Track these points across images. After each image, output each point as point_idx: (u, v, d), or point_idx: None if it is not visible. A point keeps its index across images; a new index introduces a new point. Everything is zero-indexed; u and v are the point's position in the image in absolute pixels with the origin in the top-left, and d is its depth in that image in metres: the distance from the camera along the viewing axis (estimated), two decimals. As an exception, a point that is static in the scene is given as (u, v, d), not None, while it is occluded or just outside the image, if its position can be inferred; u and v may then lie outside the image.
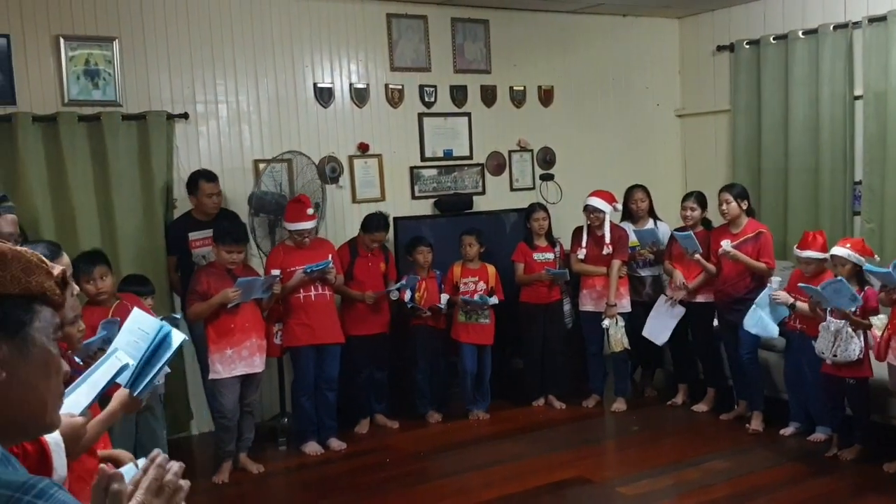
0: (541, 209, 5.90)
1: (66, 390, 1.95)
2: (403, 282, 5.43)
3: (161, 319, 2.39)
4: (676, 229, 5.76)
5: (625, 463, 5.05)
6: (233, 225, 5.00)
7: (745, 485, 4.45)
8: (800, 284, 4.70)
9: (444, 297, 5.55)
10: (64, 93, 5.06)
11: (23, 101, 4.93)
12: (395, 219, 5.99)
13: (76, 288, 2.39)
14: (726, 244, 5.17)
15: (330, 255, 5.10)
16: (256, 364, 4.80)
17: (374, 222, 5.40)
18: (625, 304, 5.74)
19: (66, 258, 2.36)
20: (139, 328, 2.18)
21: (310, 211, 4.99)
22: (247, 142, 5.66)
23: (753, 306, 4.86)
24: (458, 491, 4.58)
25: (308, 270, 4.97)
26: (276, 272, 4.95)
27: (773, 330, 4.86)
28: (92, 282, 3.96)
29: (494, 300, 5.58)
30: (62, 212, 4.98)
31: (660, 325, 5.64)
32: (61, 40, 5.03)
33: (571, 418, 5.69)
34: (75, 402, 1.92)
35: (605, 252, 5.64)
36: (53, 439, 1.77)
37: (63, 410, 1.84)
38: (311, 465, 5.03)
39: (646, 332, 5.71)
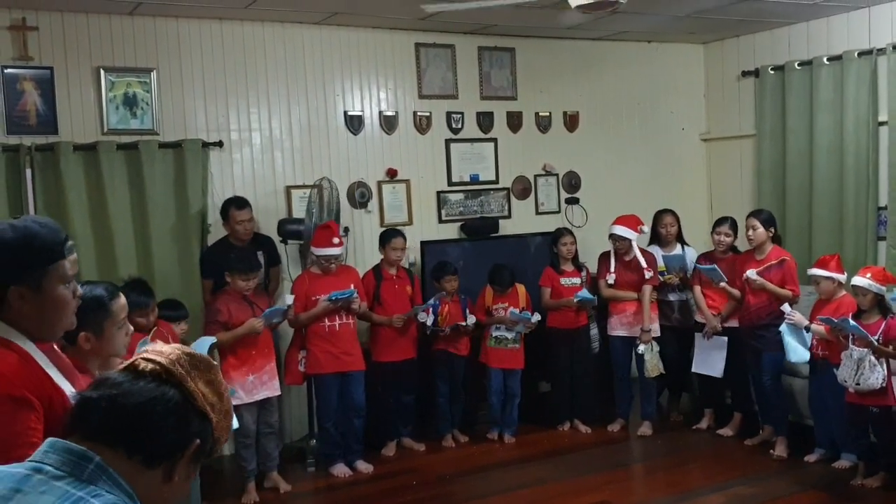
0: (568, 234, 5.97)
1: None
2: (431, 301, 5.51)
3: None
4: (703, 254, 5.81)
5: (650, 488, 5.09)
6: (243, 253, 5.12)
7: (769, 511, 4.48)
8: (819, 317, 4.75)
9: (472, 319, 5.62)
10: (103, 122, 5.24)
11: (64, 131, 5.12)
12: (423, 242, 6.11)
13: (131, 328, 2.47)
14: (752, 273, 5.22)
15: (352, 285, 5.21)
16: (276, 387, 4.95)
17: (388, 233, 5.57)
18: (655, 329, 5.77)
19: (122, 300, 2.43)
20: None
21: (335, 240, 5.11)
22: (279, 168, 5.81)
23: (782, 337, 4.92)
24: (483, 514, 4.66)
25: (333, 298, 5.07)
26: (289, 298, 5.10)
27: (805, 354, 4.91)
28: (145, 316, 4.10)
29: (538, 316, 5.64)
30: (101, 237, 5.14)
31: (710, 359, 5.62)
32: (102, 71, 5.21)
33: (597, 442, 5.73)
34: None
35: (647, 276, 5.69)
36: None
37: None
38: (338, 487, 5.12)
39: (696, 369, 5.71)
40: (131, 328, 2.45)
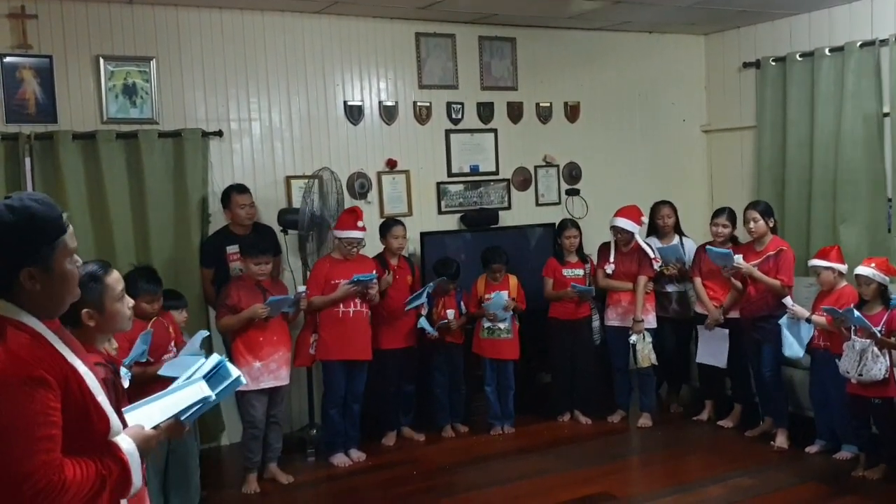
0: (572, 226, 5.95)
1: (139, 402, 2.06)
2: (428, 289, 5.45)
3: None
4: (702, 245, 5.80)
5: (650, 479, 5.08)
6: (258, 237, 5.14)
7: (770, 503, 4.47)
8: (823, 307, 4.75)
9: (450, 313, 5.58)
10: (103, 111, 5.22)
11: (64, 119, 5.09)
12: (422, 234, 6.10)
13: (131, 301, 2.48)
14: (738, 258, 5.22)
15: (374, 271, 5.22)
16: (283, 377, 4.92)
17: (387, 223, 5.60)
18: (650, 320, 5.77)
19: (115, 274, 2.45)
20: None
21: (360, 223, 5.16)
22: (279, 158, 5.79)
23: (781, 330, 4.93)
24: (483, 504, 4.66)
25: (356, 279, 5.07)
26: (301, 288, 5.07)
27: (798, 350, 4.92)
28: (152, 303, 4.11)
29: (504, 295, 5.56)
30: (100, 227, 5.12)
31: (713, 350, 5.61)
32: (101, 60, 5.19)
33: (597, 434, 5.73)
34: (148, 416, 2.02)
35: (656, 266, 5.68)
36: (132, 456, 1.87)
37: (135, 422, 1.94)
38: (339, 477, 5.11)
39: (700, 359, 5.70)
40: (131, 301, 2.47)
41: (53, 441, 1.72)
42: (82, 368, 1.85)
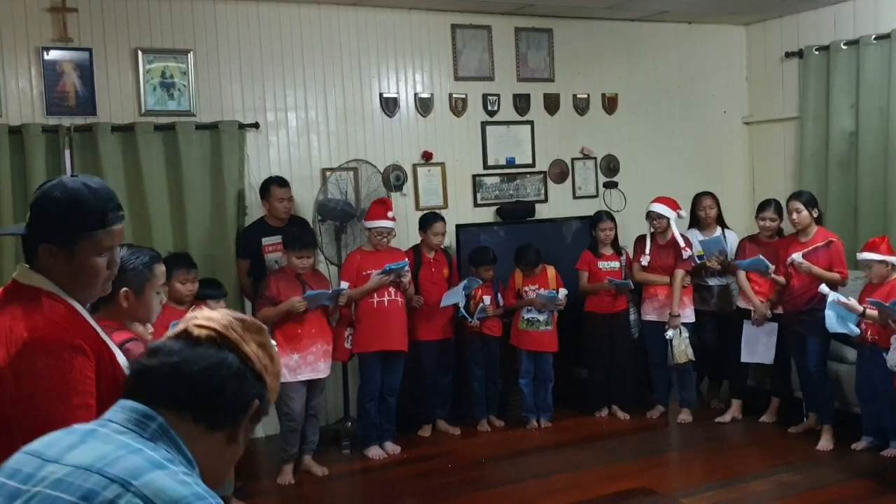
0: (608, 218, 5.86)
1: None
2: (465, 283, 5.42)
3: None
4: (748, 238, 5.67)
5: (690, 474, 4.99)
6: (302, 231, 5.15)
7: (814, 500, 4.36)
8: (868, 299, 4.62)
9: (486, 299, 5.53)
10: (141, 103, 5.26)
11: (103, 112, 5.14)
12: (458, 226, 6.05)
13: (164, 298, 2.54)
14: (797, 256, 5.07)
15: (407, 259, 5.21)
16: (321, 369, 4.92)
17: (429, 218, 5.54)
18: (688, 314, 5.66)
19: (163, 267, 2.52)
20: None
21: (390, 213, 5.15)
22: (315, 151, 5.79)
23: (826, 311, 4.76)
24: (519, 499, 4.60)
25: (388, 269, 5.06)
26: (344, 285, 5.05)
27: (854, 329, 4.74)
28: (187, 283, 4.17)
29: (564, 292, 5.56)
30: (138, 217, 5.16)
31: (759, 346, 5.46)
32: (139, 53, 5.23)
33: (635, 429, 5.64)
34: None
35: (685, 255, 5.55)
36: None
37: None
38: (374, 469, 5.10)
39: (746, 358, 5.53)
40: (164, 297, 2.51)
41: (91, 410, 1.72)
42: (112, 345, 1.86)
